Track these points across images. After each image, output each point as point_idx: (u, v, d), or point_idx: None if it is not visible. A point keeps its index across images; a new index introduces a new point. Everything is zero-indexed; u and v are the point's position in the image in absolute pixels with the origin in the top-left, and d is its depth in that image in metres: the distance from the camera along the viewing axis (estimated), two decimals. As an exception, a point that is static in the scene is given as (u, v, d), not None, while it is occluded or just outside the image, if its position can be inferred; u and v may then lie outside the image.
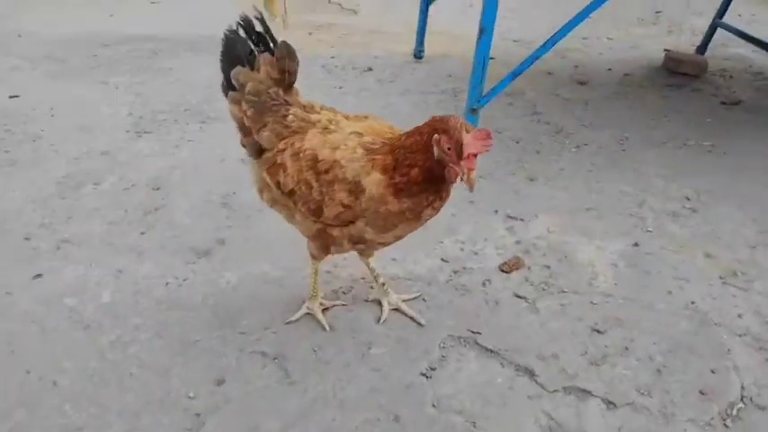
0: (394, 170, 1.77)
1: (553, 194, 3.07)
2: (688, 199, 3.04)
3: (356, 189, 1.81)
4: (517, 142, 3.58)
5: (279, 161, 1.97)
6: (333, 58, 4.96)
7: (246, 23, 2.08)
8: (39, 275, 2.44)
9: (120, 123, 3.78)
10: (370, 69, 4.68)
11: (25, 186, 3.06)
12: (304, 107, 2.06)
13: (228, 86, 2.15)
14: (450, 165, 1.69)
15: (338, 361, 2.07)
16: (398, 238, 2.00)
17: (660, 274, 2.52)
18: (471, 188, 1.70)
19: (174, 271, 2.48)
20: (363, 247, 2.07)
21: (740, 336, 2.21)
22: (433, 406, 1.92)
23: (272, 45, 2.08)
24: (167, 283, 2.42)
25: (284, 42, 2.04)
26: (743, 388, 2.00)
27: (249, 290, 2.40)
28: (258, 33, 2.09)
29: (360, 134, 1.88)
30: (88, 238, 2.67)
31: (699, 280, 2.49)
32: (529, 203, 2.98)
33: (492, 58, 4.43)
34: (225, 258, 2.57)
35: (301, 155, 1.91)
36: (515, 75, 2.96)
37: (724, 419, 1.90)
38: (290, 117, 2.01)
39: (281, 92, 2.07)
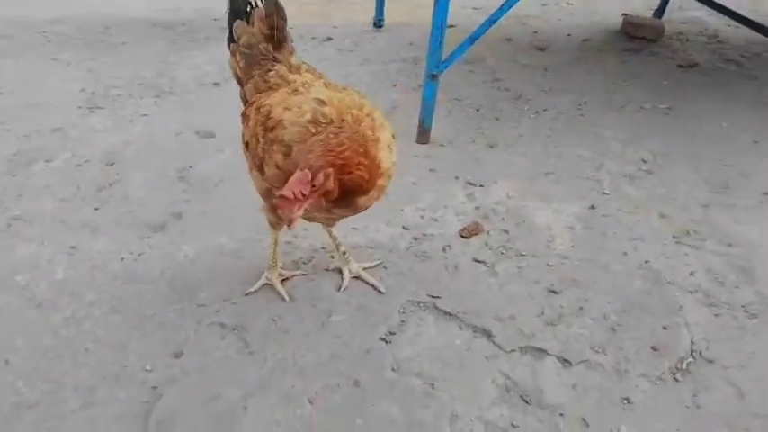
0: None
1: (512, 160, 3.08)
2: (644, 161, 3.08)
3: (288, 153, 1.76)
4: (477, 110, 3.58)
5: (246, 113, 2.02)
6: (292, 28, 4.85)
7: None
8: (-11, 254, 2.38)
9: (72, 100, 3.66)
10: (330, 39, 4.61)
11: (-27, 165, 2.96)
12: (291, 66, 2.08)
13: (231, 39, 2.20)
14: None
15: (298, 329, 2.07)
16: (331, 219, 2.01)
17: (616, 235, 2.56)
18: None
19: (130, 246, 2.44)
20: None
21: (692, 293, 2.26)
22: (393, 370, 1.93)
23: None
24: (123, 259, 2.38)
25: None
26: (692, 343, 2.06)
27: (207, 262, 2.37)
28: None
29: (322, 102, 1.81)
30: (40, 215, 2.61)
31: (653, 240, 2.54)
32: (488, 170, 2.99)
33: (453, 26, 4.41)
34: (182, 232, 2.53)
35: (261, 110, 1.92)
36: (473, 39, 2.94)
37: (674, 373, 1.95)
38: (272, 73, 2.05)
39: (270, 48, 2.11)
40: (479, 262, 2.40)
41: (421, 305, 2.19)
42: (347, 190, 1.69)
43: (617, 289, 2.27)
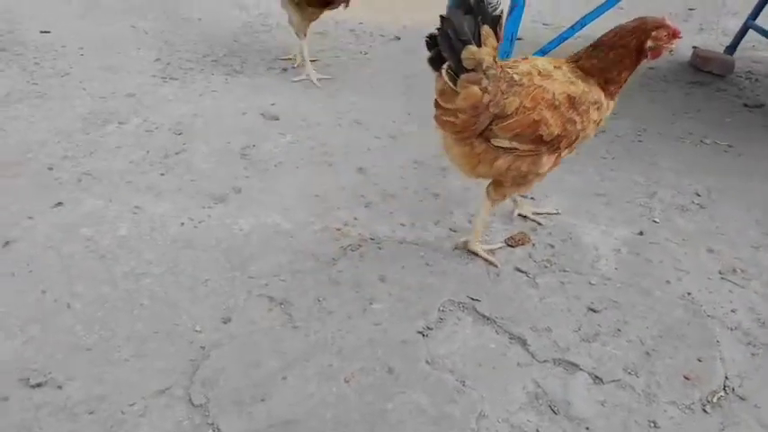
0: (606, 83, 2.18)
1: (566, 178, 3.11)
2: (698, 195, 3.07)
3: (600, 107, 2.17)
4: (535, 124, 3.61)
5: (535, 117, 2.10)
6: (361, 23, 4.98)
7: (464, 2, 2.03)
8: (59, 204, 2.53)
9: (147, 68, 3.84)
10: (398, 38, 4.70)
11: (51, 119, 3.14)
12: (508, 65, 2.18)
13: (457, 70, 2.08)
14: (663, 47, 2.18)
15: (340, 312, 2.16)
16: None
17: (661, 263, 2.58)
18: None
19: (190, 213, 2.57)
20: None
21: (731, 329, 2.27)
22: (427, 362, 2.00)
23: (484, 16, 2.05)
24: (182, 224, 2.50)
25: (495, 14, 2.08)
26: (726, 378, 2.07)
27: (261, 238, 2.48)
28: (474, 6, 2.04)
29: (559, 67, 2.17)
30: (109, 173, 2.76)
31: (698, 273, 2.54)
32: (541, 184, 3.02)
33: (520, 39, 4.45)
34: (240, 206, 2.65)
35: (557, 102, 2.11)
36: (543, 53, 2.98)
37: (704, 405, 1.97)
38: (515, 76, 2.11)
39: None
40: (522, 272, 2.45)
41: (460, 305, 2.25)
42: None
43: (656, 315, 2.29)
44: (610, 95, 2.19)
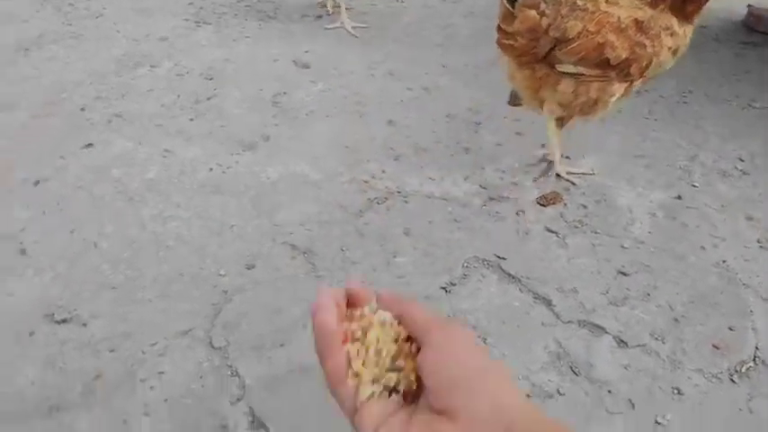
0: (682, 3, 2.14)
1: (605, 137, 3.01)
2: (741, 160, 2.95)
3: (674, 33, 2.15)
4: (575, 80, 3.48)
5: (600, 40, 2.12)
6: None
7: None
8: (90, 145, 2.55)
9: (180, 11, 3.80)
10: (437, -14, 4.56)
11: (86, 60, 3.14)
12: None
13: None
14: None
15: (365, 263, 2.14)
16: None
17: (698, 228, 2.49)
18: None
19: (219, 158, 2.56)
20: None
21: (766, 299, 2.19)
22: (449, 317, 1.98)
23: None
24: (211, 169, 2.50)
25: None
26: (757, 348, 2.01)
27: (288, 187, 2.46)
28: None
29: None
30: (139, 116, 2.76)
31: (735, 240, 2.45)
32: (579, 142, 2.93)
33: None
34: (269, 154, 2.63)
35: (623, 26, 2.10)
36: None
37: (731, 375, 1.92)
38: (579, 1, 2.12)
39: None
40: (552, 232, 2.39)
41: (485, 263, 2.22)
42: None
43: (688, 281, 2.22)
44: (686, 18, 2.17)
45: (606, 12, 2.12)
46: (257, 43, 3.53)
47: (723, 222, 2.54)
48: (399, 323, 0.75)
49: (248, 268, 2.08)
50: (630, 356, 1.93)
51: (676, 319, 2.08)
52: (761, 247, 2.44)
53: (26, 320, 1.83)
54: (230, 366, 1.76)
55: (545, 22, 2.12)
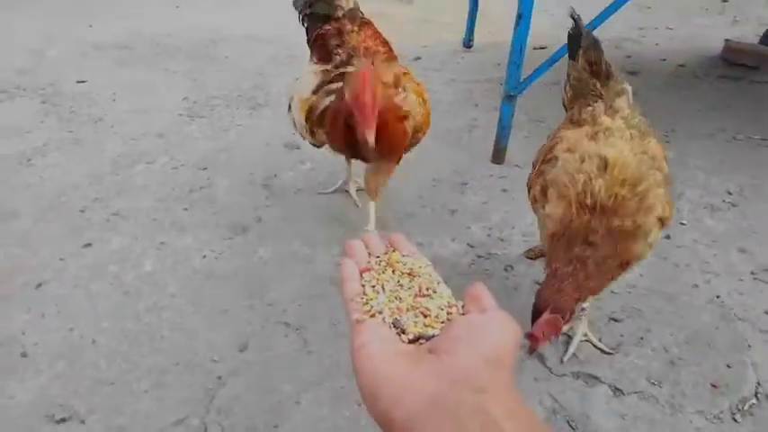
0: None
1: (588, 185, 3.05)
2: (729, 193, 2.96)
3: (544, 192, 1.89)
4: (558, 132, 3.56)
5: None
6: (383, 46, 5.03)
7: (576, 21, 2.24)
8: (88, 245, 2.64)
9: (175, 107, 3.98)
10: (419, 58, 4.74)
11: (84, 163, 3.28)
12: (609, 108, 1.97)
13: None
14: None
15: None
16: None
17: (689, 267, 2.49)
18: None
19: (212, 245, 2.64)
20: None
21: (763, 332, 2.17)
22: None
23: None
24: (204, 256, 2.57)
25: (588, 33, 2.17)
26: (758, 384, 1.97)
27: (280, 265, 2.52)
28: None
29: (604, 163, 1.75)
30: (136, 212, 2.86)
31: (729, 275, 2.44)
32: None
33: (543, 47, 4.42)
34: (260, 235, 2.70)
35: (555, 137, 2.03)
36: (552, 62, 2.94)
37: (734, 414, 1.88)
38: (588, 109, 2.00)
39: (598, 84, 2.08)
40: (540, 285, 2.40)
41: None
42: None
43: (682, 322, 2.21)
44: None
45: None
46: (248, 130, 3.67)
47: (714, 258, 2.54)
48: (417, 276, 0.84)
49: (241, 350, 2.11)
50: (627, 405, 1.91)
51: (672, 362, 2.06)
52: (755, 278, 2.43)
53: (27, 423, 1.86)
54: (225, 452, 1.78)
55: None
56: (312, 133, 2.44)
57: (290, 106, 2.59)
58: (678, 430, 1.82)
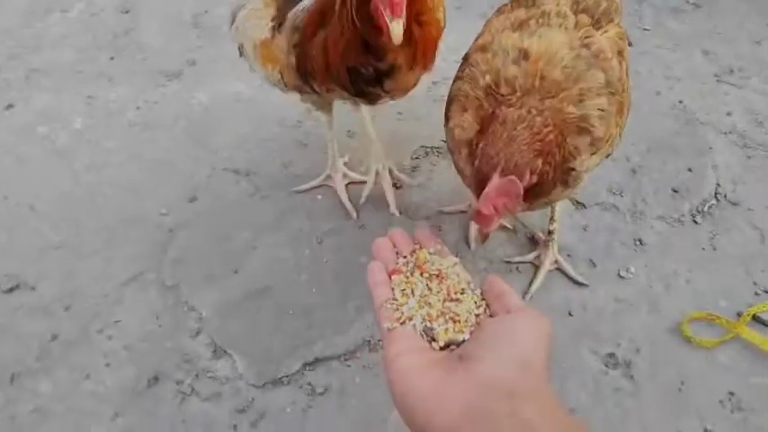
0: None
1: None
2: (693, -7, 2.79)
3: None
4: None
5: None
6: None
7: None
8: (10, 106, 2.41)
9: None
10: None
11: (-9, 16, 2.93)
12: None
13: None
14: None
15: (308, 175, 2.06)
16: None
17: (651, 73, 2.39)
18: None
19: (145, 94, 2.43)
20: None
21: (725, 134, 2.13)
22: (400, 213, 1.93)
23: None
24: (138, 107, 2.37)
25: None
26: (718, 185, 1.96)
27: (221, 110, 2.35)
28: None
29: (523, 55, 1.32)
30: (57, 66, 2.60)
31: (692, 78, 2.35)
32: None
33: None
34: (196, 79, 2.49)
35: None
36: None
37: (693, 216, 1.88)
38: None
39: None
40: (500, 105, 2.29)
41: (434, 150, 2.14)
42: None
43: (643, 131, 2.14)
44: None
45: None
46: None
47: (678, 62, 2.44)
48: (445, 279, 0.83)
49: (190, 201, 2.01)
50: (588, 217, 1.89)
51: (633, 171, 2.02)
52: (718, 80, 2.35)
53: (-26, 296, 1.78)
54: (185, 302, 1.73)
55: None
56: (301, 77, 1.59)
57: (240, 52, 1.84)
58: (639, 236, 1.82)
